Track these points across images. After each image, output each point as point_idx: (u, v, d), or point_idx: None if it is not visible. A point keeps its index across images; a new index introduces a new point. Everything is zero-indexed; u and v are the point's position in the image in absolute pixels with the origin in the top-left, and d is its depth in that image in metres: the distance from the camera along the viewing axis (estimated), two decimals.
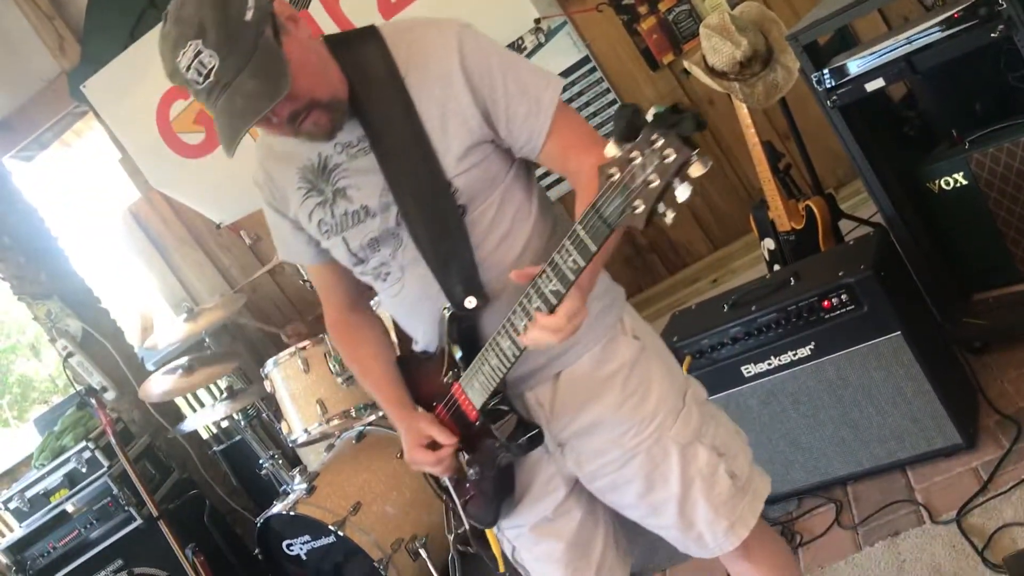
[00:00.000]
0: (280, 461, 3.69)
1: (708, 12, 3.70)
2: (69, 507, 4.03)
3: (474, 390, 1.62)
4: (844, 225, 3.16)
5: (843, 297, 2.49)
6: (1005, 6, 2.31)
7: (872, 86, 2.63)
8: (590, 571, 1.82)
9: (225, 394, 3.86)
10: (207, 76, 1.42)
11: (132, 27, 4.35)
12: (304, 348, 3.29)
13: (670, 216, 1.22)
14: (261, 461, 3.72)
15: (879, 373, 2.51)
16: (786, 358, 2.60)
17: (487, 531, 1.90)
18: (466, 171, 1.57)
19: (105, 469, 3.92)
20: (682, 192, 1.19)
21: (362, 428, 3.66)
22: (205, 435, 4.72)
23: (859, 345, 2.51)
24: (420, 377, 1.77)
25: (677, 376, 1.77)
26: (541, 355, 1.65)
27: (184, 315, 3.74)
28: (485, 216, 1.61)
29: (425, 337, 1.74)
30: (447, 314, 1.62)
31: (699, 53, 2.94)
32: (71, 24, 4.52)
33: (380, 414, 3.35)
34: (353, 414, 3.30)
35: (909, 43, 2.52)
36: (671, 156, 1.17)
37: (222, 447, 4.59)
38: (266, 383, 3.37)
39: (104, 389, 4.41)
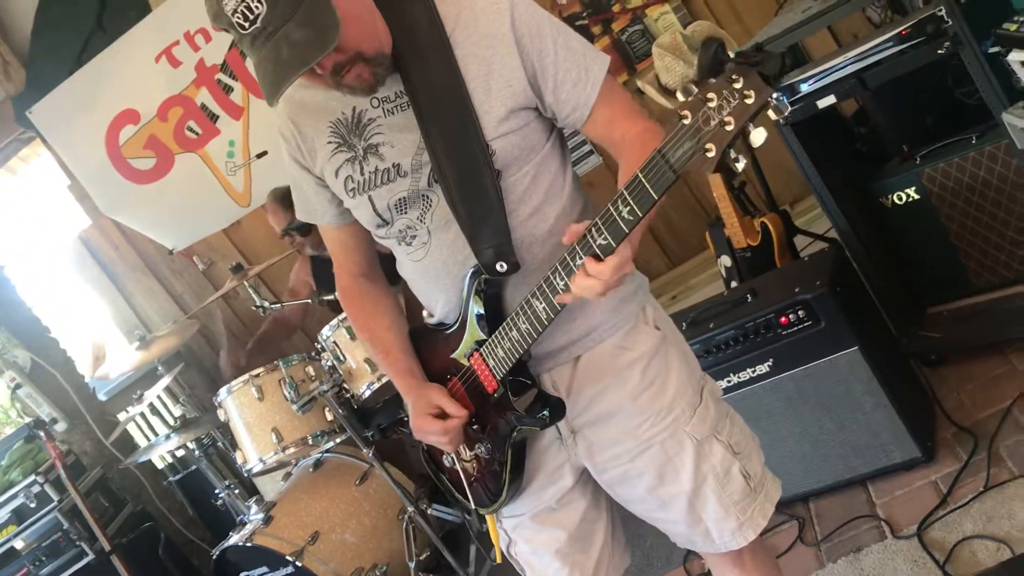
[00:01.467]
0: (237, 491, 3.61)
1: (660, 32, 3.72)
2: (18, 543, 3.92)
3: (497, 359, 1.58)
4: (800, 241, 3.18)
5: (800, 313, 2.50)
6: (951, 23, 2.33)
7: (823, 103, 2.65)
8: (588, 565, 1.77)
9: (179, 423, 3.77)
10: (253, 22, 1.37)
11: (79, 52, 4.29)
12: (258, 376, 3.23)
13: (742, 163, 1.16)
14: (217, 491, 3.64)
15: (837, 388, 2.52)
16: (745, 375, 2.61)
17: (488, 518, 1.84)
18: (505, 135, 1.54)
19: (55, 503, 3.82)
20: (757, 137, 1.14)
21: (319, 456, 3.59)
22: (160, 465, 4.62)
23: (817, 361, 2.52)
24: (434, 350, 1.72)
25: (695, 370, 1.75)
26: (562, 336, 1.63)
27: (136, 343, 3.66)
28: (519, 185, 1.58)
29: (445, 307, 1.68)
30: (476, 278, 1.58)
31: (652, 72, 2.96)
32: (16, 49, 4.44)
33: (337, 440, 3.29)
34: (310, 441, 3.23)
35: (859, 60, 2.55)
36: (751, 97, 1.13)
37: (177, 477, 4.48)
38: (220, 412, 3.30)
39: (54, 421, 4.31)
